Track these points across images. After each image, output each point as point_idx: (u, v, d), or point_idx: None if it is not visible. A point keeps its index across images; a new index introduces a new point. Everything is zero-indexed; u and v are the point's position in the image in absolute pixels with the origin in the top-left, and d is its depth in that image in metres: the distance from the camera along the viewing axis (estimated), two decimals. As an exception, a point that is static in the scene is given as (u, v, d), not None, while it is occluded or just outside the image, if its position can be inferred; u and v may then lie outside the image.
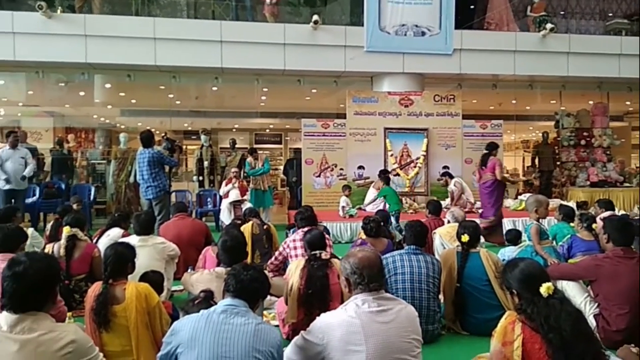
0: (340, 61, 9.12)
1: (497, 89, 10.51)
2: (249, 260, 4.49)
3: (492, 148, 7.07)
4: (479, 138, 9.82)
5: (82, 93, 10.73)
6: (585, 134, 11.27)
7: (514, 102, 11.95)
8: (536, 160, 12.23)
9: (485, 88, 10.58)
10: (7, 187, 7.37)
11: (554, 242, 4.64)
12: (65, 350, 1.89)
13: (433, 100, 9.60)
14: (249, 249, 4.81)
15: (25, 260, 1.96)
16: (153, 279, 3.35)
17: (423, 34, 9.24)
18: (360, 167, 9.48)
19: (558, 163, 11.59)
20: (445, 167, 9.35)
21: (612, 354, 3.00)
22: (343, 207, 8.34)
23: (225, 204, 8.32)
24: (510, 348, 2.29)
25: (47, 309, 1.98)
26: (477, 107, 12.76)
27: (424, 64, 9.37)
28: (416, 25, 9.21)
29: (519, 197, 9.67)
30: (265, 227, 5.28)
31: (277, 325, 3.68)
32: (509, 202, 9.42)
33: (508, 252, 4.83)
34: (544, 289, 2.31)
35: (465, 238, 3.66)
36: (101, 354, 2.05)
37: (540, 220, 4.50)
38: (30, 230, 4.78)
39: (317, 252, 3.63)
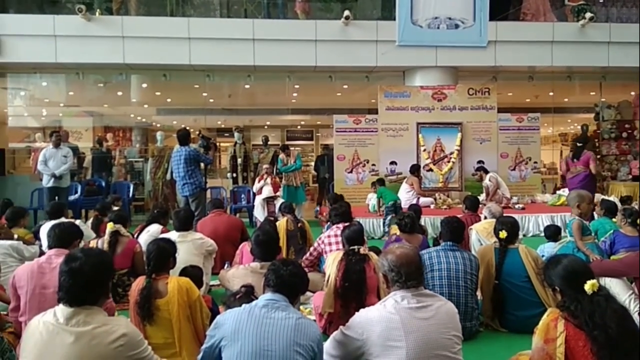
0: (371, 56, 9.07)
1: (534, 81, 10.23)
2: (283, 256, 4.55)
3: (586, 141, 6.94)
4: (514, 132, 9.61)
5: (119, 93, 11.04)
6: (627, 126, 10.88)
7: (551, 94, 11.63)
8: (575, 154, 11.85)
9: (521, 80, 10.32)
10: (51, 184, 7.68)
11: (596, 238, 4.51)
12: (118, 343, 1.96)
13: (467, 93, 9.44)
14: (283, 245, 4.90)
15: (82, 257, 2.05)
16: (193, 273, 3.44)
17: (456, 26, 9.09)
18: (393, 163, 9.42)
19: (598, 157, 11.22)
20: (480, 161, 9.18)
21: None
22: (374, 204, 8.30)
23: (258, 200, 8.43)
24: (553, 345, 2.25)
25: (101, 303, 2.07)
26: (512, 100, 12.47)
27: (457, 57, 9.22)
28: (449, 18, 9.07)
29: (557, 191, 9.41)
30: (299, 223, 5.34)
31: (313, 320, 3.72)
32: (546, 197, 9.20)
33: (548, 249, 4.72)
34: (589, 286, 2.26)
35: (503, 234, 3.60)
36: (150, 347, 2.13)
37: (582, 216, 4.38)
38: (78, 222, 4.99)
39: (355, 247, 3.65)
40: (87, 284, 2.01)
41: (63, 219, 4.68)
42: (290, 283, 2.25)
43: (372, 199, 8.34)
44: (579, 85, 11.21)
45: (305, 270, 2.47)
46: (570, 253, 3.62)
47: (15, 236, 4.60)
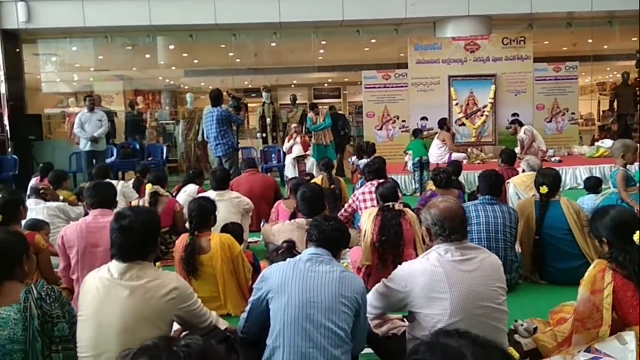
0: (400, 7, 8.77)
1: (572, 27, 9.76)
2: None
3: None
4: (551, 82, 9.25)
5: (147, 55, 11.06)
6: (671, 72, 10.31)
7: (590, 41, 11.06)
8: (614, 104, 11.39)
9: (558, 27, 9.87)
10: (88, 148, 7.87)
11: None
12: (170, 296, 2.04)
13: (501, 43, 9.07)
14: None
15: (131, 214, 2.11)
16: (233, 230, 3.52)
17: (490, -28, 8.66)
18: (423, 118, 9.25)
19: (639, 106, 10.74)
20: (514, 114, 8.91)
21: None
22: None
23: (289, 160, 8.46)
24: (600, 296, 2.24)
25: (150, 258, 2.14)
26: (549, 49, 11.94)
27: (491, 5, 8.82)
28: (483, -37, 8.63)
29: (596, 143, 9.11)
30: (333, 183, 5.35)
31: (352, 274, 3.78)
32: (584, 149, 8.92)
33: (588, 201, 4.61)
34: (638, 236, 2.22)
35: (544, 190, 3.53)
36: (199, 300, 2.21)
37: (628, 166, 4.24)
38: (121, 183, 5.14)
39: (390, 203, 3.65)
40: (138, 239, 2.07)
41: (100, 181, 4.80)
42: (332, 238, 2.27)
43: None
44: (619, 31, 10.61)
45: (345, 225, 2.49)
46: (615, 204, 3.54)
47: (61, 198, 4.78)
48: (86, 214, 3.99)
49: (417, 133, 8.09)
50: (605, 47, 12.25)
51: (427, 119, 9.19)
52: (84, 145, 7.85)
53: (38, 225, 3.76)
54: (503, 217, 3.49)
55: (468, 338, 1.03)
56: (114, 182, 5.18)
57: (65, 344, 2.14)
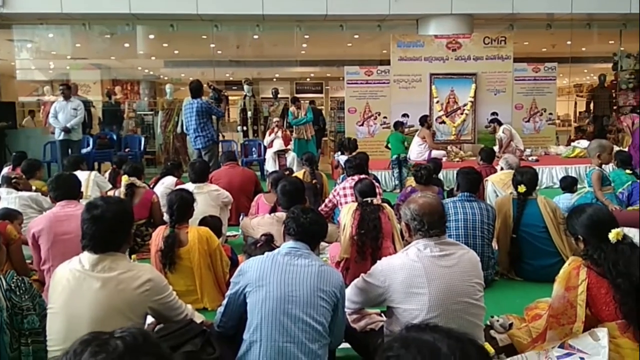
0: (384, 4, 8.75)
1: (552, 29, 9.89)
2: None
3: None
4: (530, 82, 9.38)
5: (126, 45, 10.84)
6: (646, 76, 10.56)
7: (569, 43, 11.26)
8: (591, 105, 11.63)
9: (538, 29, 9.99)
10: (63, 137, 7.68)
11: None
12: (143, 288, 1.99)
13: (483, 43, 9.16)
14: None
15: (102, 204, 2.05)
16: (212, 223, 3.47)
17: (473, -29, 8.71)
18: (405, 115, 9.27)
19: (615, 108, 10.98)
20: (493, 113, 9.02)
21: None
22: None
23: (269, 154, 8.41)
24: (574, 293, 2.26)
25: (124, 249, 2.09)
26: (529, 50, 12.11)
27: (473, 4, 8.87)
28: (466, -38, 8.68)
29: (572, 143, 9.28)
30: (316, 176, 5.33)
31: (331, 269, 3.77)
32: (561, 149, 9.08)
33: (564, 199, 4.69)
34: (613, 234, 2.25)
35: (522, 188, 3.57)
36: (174, 292, 2.16)
37: (603, 166, 4.32)
38: (94, 173, 5.04)
39: (368, 199, 3.66)
40: (110, 230, 2.02)
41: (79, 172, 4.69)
42: (311, 231, 2.25)
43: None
44: (597, 34, 10.84)
45: (324, 217, 2.46)
46: (590, 203, 3.60)
47: (34, 188, 4.65)
48: (54, 205, 3.90)
49: (397, 126, 8.08)
50: (584, 49, 12.50)
51: (408, 115, 9.23)
52: (58, 135, 7.67)
53: (11, 215, 3.66)
54: (481, 214, 3.52)
55: (441, 331, 1.02)
56: (87, 172, 5.08)
57: (35, 337, 2.09)
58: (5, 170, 5.76)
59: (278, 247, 2.36)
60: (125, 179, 4.32)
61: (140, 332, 1.03)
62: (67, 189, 3.21)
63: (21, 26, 9.61)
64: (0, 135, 8.69)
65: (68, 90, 7.88)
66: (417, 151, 8.27)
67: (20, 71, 10.58)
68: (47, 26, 9.58)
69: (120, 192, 4.31)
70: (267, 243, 2.70)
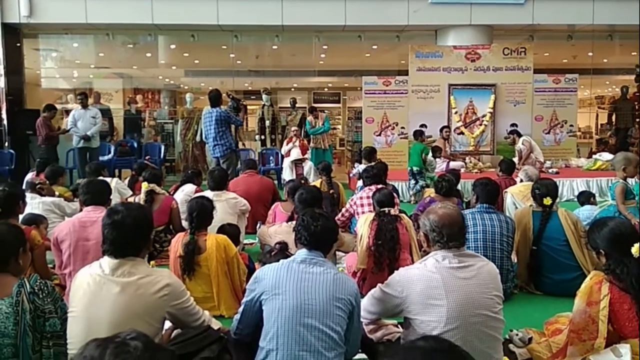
0: (403, 14, 8.80)
1: (573, 40, 9.80)
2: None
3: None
4: (551, 94, 9.28)
5: (148, 54, 11.05)
6: (669, 88, 10.37)
7: (590, 54, 11.13)
8: (613, 117, 11.44)
9: (559, 40, 9.91)
10: (81, 145, 7.85)
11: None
12: (162, 293, 2.01)
13: (502, 53, 9.10)
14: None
15: (123, 210, 2.09)
16: (230, 231, 3.49)
17: (493, -18, 8.70)
18: (423, 126, 9.22)
19: (637, 120, 10.79)
20: (513, 124, 8.91)
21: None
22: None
23: (287, 163, 8.45)
24: (596, 308, 2.23)
25: (143, 254, 2.12)
26: (549, 61, 11.99)
27: (493, 15, 8.86)
28: (486, -27, 8.68)
29: (593, 156, 9.13)
30: (333, 185, 5.34)
31: (347, 278, 3.76)
32: (582, 162, 8.94)
33: (585, 212, 4.61)
34: (636, 249, 2.22)
35: (548, 201, 3.52)
36: (192, 298, 2.18)
37: (627, 179, 4.25)
38: (115, 180, 5.12)
39: (386, 209, 3.65)
40: (130, 235, 2.05)
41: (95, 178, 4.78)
42: (322, 239, 2.23)
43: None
44: (619, 45, 10.70)
45: (333, 218, 2.44)
46: (613, 216, 3.54)
47: (57, 193, 4.74)
48: (81, 210, 3.97)
49: (416, 135, 7.81)
50: (605, 60, 12.32)
51: (426, 126, 9.17)
52: (77, 143, 7.84)
53: (37, 220, 3.74)
54: (500, 226, 3.48)
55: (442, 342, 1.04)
56: (108, 179, 5.17)
57: (56, 340, 2.12)
58: (30, 176, 5.89)
59: (293, 255, 2.36)
60: (145, 186, 4.39)
61: (143, 335, 1.08)
62: (97, 195, 3.29)
63: (47, 36, 9.89)
64: (25, 142, 8.89)
65: (86, 99, 8.06)
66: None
67: (45, 79, 10.85)
68: (71, 36, 9.84)
69: (140, 198, 4.38)
70: (282, 251, 2.71)
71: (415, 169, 7.19)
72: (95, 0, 8.43)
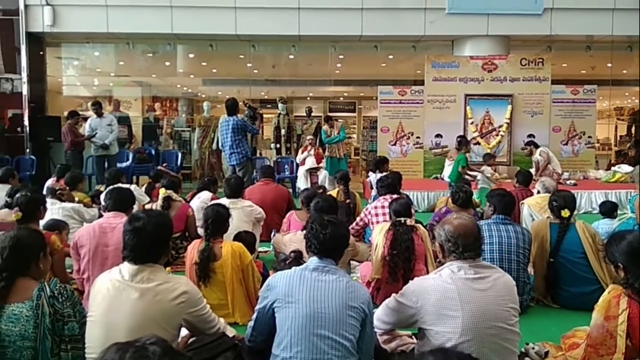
0: (419, 25, 8.82)
1: (591, 51, 9.72)
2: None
3: None
4: (569, 105, 9.19)
5: (167, 63, 11.24)
6: (690, 99, 10.20)
7: (609, 65, 11.01)
8: (632, 129, 11.28)
9: (577, 50, 9.83)
10: (100, 152, 7.98)
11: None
12: (179, 300, 2.04)
13: (519, 64, 9.06)
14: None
15: (144, 217, 2.13)
16: (246, 239, 3.52)
17: (510, -8, 8.69)
18: (438, 136, 9.23)
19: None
20: (530, 135, 8.85)
21: None
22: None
23: (301, 171, 8.49)
24: (614, 323, 2.20)
25: (162, 261, 2.15)
26: (567, 72, 11.88)
27: (510, 25, 8.83)
28: (503, -17, 8.67)
29: (612, 168, 8.99)
30: (350, 195, 5.35)
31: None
32: (600, 174, 8.82)
33: (604, 225, 4.54)
34: (656, 263, 2.18)
35: (566, 213, 3.48)
36: (208, 306, 2.20)
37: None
38: (133, 187, 5.20)
39: (402, 219, 3.64)
40: (150, 242, 2.08)
41: (120, 185, 4.86)
42: (332, 247, 2.22)
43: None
44: (639, 56, 10.54)
45: (343, 222, 2.43)
46: (632, 229, 3.48)
47: (76, 199, 4.83)
48: (100, 216, 4.05)
49: (460, 144, 7.19)
50: (625, 72, 12.16)
51: (441, 136, 9.18)
52: (95, 150, 7.97)
53: (59, 226, 3.80)
54: (517, 238, 3.44)
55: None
56: (126, 185, 5.25)
57: (74, 344, 2.15)
58: (50, 182, 6.01)
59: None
60: (162, 192, 4.45)
61: (162, 340, 1.12)
62: (120, 201, 3.34)
63: (69, 44, 10.13)
64: (46, 148, 9.08)
65: (100, 107, 8.19)
66: (448, 172, 8.20)
67: (67, 87, 11.08)
68: (93, 45, 10.07)
69: (157, 204, 4.44)
70: (297, 260, 2.72)
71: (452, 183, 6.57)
72: (116, 10, 8.62)
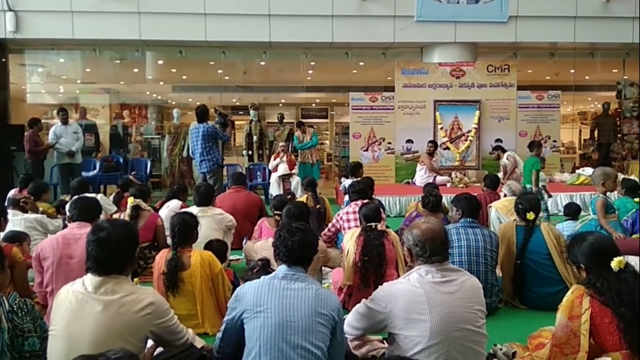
0: (389, 32, 8.93)
1: (555, 57, 10.01)
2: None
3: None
4: (534, 110, 9.44)
5: (135, 70, 11.05)
6: (650, 104, 10.61)
7: (572, 71, 11.36)
8: (595, 133, 11.66)
9: (542, 57, 10.10)
10: (66, 160, 7.78)
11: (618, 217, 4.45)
12: (145, 312, 2.00)
13: (486, 70, 9.27)
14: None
15: (108, 227, 2.07)
16: (217, 247, 3.48)
17: (477, 1, 8.88)
18: (409, 141, 9.34)
19: (619, 135, 11.01)
20: (497, 140, 9.06)
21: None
22: None
23: (274, 178, 8.46)
24: (578, 322, 2.25)
25: (127, 272, 2.10)
26: (532, 78, 12.22)
27: (477, 33, 9.03)
28: (469, -8, 8.87)
29: (576, 171, 9.27)
30: (319, 200, 5.35)
31: (332, 294, 3.75)
32: (565, 177, 9.07)
33: (568, 227, 4.68)
34: (616, 263, 2.25)
35: (531, 215, 3.56)
36: (176, 316, 2.16)
37: (607, 193, 4.32)
38: (100, 196, 5.08)
39: (373, 224, 3.65)
40: (114, 252, 2.03)
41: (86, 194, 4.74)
42: (301, 255, 2.20)
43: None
44: (601, 63, 10.94)
45: (311, 229, 2.42)
46: (593, 230, 3.59)
47: (40, 210, 4.69)
48: (65, 227, 3.93)
49: (531, 147, 6.78)
50: (587, 77, 12.60)
51: (412, 141, 9.29)
52: (59, 159, 7.76)
53: (19, 237, 3.68)
54: (484, 241, 3.50)
55: None
56: (92, 195, 5.13)
57: (35, 359, 2.08)
58: (12, 192, 5.82)
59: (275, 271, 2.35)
60: (131, 201, 4.36)
61: (129, 355, 1.08)
62: (86, 211, 3.26)
63: (33, 51, 9.86)
64: (8, 158, 8.78)
65: (66, 114, 8.00)
66: (419, 176, 8.32)
67: (31, 95, 10.78)
68: (58, 51, 9.82)
69: (126, 214, 4.34)
70: (264, 268, 2.70)
71: (527, 186, 6.25)
72: (82, 16, 8.43)
